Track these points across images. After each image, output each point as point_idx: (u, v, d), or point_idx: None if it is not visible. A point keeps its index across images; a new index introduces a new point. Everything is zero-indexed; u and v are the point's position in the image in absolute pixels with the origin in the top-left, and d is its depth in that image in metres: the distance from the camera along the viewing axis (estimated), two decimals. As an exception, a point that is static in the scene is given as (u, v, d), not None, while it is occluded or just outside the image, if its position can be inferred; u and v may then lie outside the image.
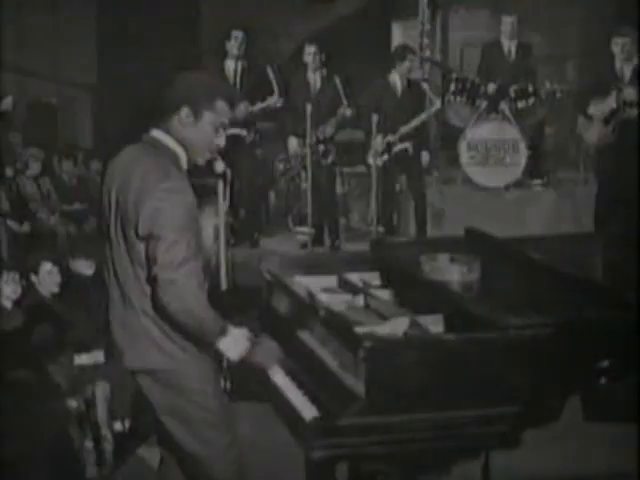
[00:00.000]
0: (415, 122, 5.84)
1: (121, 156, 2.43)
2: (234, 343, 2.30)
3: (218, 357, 2.35)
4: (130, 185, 2.30)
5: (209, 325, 2.27)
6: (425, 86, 5.93)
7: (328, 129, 5.77)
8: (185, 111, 2.33)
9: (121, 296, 2.39)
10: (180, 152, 2.36)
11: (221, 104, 2.37)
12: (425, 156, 5.97)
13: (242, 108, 5.72)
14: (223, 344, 2.29)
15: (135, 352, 2.36)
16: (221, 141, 2.40)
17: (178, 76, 2.43)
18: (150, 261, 2.25)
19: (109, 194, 2.37)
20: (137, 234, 2.28)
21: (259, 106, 5.77)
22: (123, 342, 2.39)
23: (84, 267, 4.61)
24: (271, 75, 5.70)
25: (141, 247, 2.29)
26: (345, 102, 5.73)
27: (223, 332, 2.28)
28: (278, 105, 5.74)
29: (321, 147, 5.80)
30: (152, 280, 2.25)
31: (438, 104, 5.87)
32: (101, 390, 3.79)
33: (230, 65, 5.86)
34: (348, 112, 5.76)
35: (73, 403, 3.75)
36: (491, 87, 6.37)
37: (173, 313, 2.22)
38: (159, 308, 2.26)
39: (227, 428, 2.42)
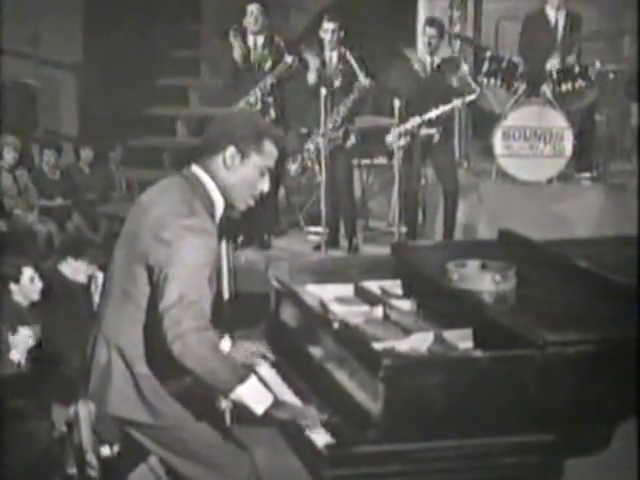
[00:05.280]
0: (445, 107, 5.84)
1: (152, 187, 2.53)
2: (256, 395, 2.32)
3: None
4: (149, 215, 2.39)
5: (222, 374, 2.30)
6: (465, 68, 5.93)
7: (347, 103, 5.81)
8: (231, 151, 2.41)
9: (100, 331, 2.47)
10: (217, 197, 2.44)
11: (268, 145, 2.45)
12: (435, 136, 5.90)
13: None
14: (243, 394, 2.29)
15: (102, 396, 2.44)
16: (265, 186, 2.48)
17: (222, 113, 2.51)
18: (156, 297, 2.31)
19: (127, 224, 2.48)
20: (147, 266, 2.35)
21: (273, 74, 5.85)
22: (93, 382, 2.47)
23: (78, 272, 4.60)
24: (277, 39, 5.88)
25: (144, 282, 2.36)
26: (361, 73, 5.77)
27: (241, 380, 2.30)
28: (294, 66, 5.82)
29: (340, 130, 5.83)
30: (158, 318, 2.29)
31: (477, 91, 5.86)
32: (85, 409, 3.82)
33: (250, 41, 5.98)
34: (367, 82, 5.79)
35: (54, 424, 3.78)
36: (551, 63, 6.34)
37: (179, 356, 2.27)
38: (157, 357, 2.33)
39: (239, 456, 2.48)
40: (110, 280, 2.50)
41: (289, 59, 5.84)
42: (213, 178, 2.44)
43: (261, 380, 2.45)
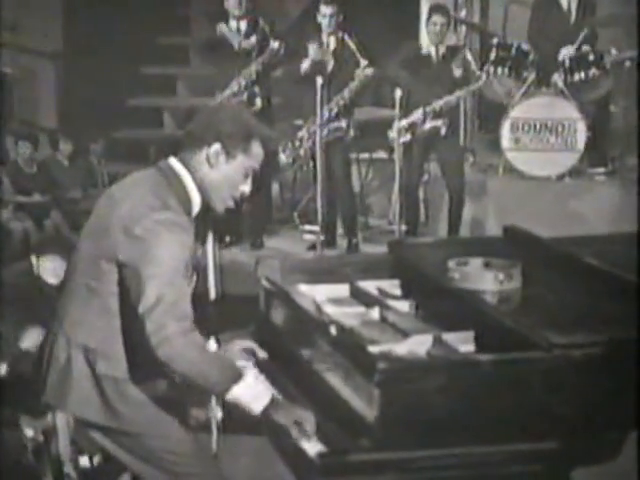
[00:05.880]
0: (449, 98, 5.87)
1: (124, 180, 2.54)
2: (254, 392, 2.35)
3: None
4: (120, 208, 2.39)
5: (215, 375, 2.33)
6: (469, 56, 5.97)
7: (346, 94, 5.84)
8: (216, 149, 2.41)
9: (61, 329, 2.47)
10: (194, 195, 2.44)
11: (256, 146, 2.46)
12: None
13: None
14: (239, 393, 2.33)
15: (61, 396, 2.45)
16: (247, 188, 2.49)
17: (209, 107, 2.51)
18: (133, 299, 2.32)
19: (94, 217, 2.48)
20: (117, 263, 2.35)
21: (259, 61, 5.87)
22: (51, 380, 2.47)
23: (55, 273, 4.60)
24: (262, 24, 5.92)
25: (112, 279, 2.37)
26: (363, 61, 5.79)
27: (236, 380, 2.34)
28: (280, 51, 5.84)
29: (341, 122, 5.85)
30: (139, 321, 2.30)
31: (482, 79, 5.91)
32: (62, 418, 3.83)
33: (233, 27, 5.99)
34: (369, 71, 5.81)
35: (29, 432, 3.79)
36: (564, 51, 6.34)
37: (166, 361, 2.29)
38: (138, 359, 2.35)
39: (207, 467, 2.51)
40: (73, 275, 2.49)
41: (275, 45, 5.86)
42: (192, 174, 2.44)
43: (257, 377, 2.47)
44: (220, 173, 2.44)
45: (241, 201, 2.55)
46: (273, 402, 2.36)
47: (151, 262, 2.30)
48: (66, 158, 7.03)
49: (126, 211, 2.38)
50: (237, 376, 2.34)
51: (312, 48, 5.80)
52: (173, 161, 2.47)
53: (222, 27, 5.99)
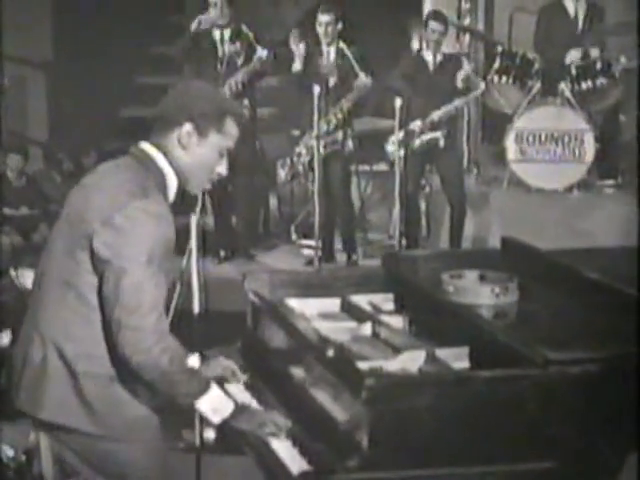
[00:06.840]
0: (448, 107, 5.88)
1: (97, 169, 2.53)
2: (215, 404, 2.40)
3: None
4: (96, 196, 2.38)
5: (183, 386, 2.36)
6: (465, 63, 6.00)
7: (345, 103, 5.86)
8: (188, 128, 2.41)
9: (35, 328, 2.43)
10: (171, 178, 2.44)
11: (230, 124, 2.46)
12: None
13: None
14: (202, 405, 2.39)
15: (36, 399, 2.41)
16: (223, 169, 2.50)
17: (179, 85, 2.57)
18: (107, 297, 2.31)
19: (66, 209, 2.47)
20: (92, 256, 2.33)
21: (244, 70, 5.89)
22: (25, 384, 2.43)
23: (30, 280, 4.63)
24: (245, 30, 5.92)
25: (88, 270, 2.34)
26: (361, 72, 5.81)
27: (202, 392, 2.38)
28: (264, 58, 5.87)
29: (339, 134, 5.87)
30: (112, 322, 2.30)
31: (481, 87, 5.93)
32: (46, 436, 3.81)
33: (216, 35, 6.02)
34: (368, 81, 5.82)
35: (9, 452, 3.77)
36: (571, 58, 6.37)
37: (137, 368, 2.30)
38: (120, 360, 2.33)
39: None
40: (45, 271, 2.46)
41: (263, 53, 5.87)
42: (167, 157, 2.42)
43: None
44: (194, 154, 2.43)
45: (219, 184, 2.57)
46: (234, 413, 2.41)
47: (132, 258, 2.29)
48: (59, 173, 7.07)
49: (104, 199, 2.36)
50: (203, 388, 2.39)
51: (297, 53, 5.83)
52: (146, 145, 2.45)
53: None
